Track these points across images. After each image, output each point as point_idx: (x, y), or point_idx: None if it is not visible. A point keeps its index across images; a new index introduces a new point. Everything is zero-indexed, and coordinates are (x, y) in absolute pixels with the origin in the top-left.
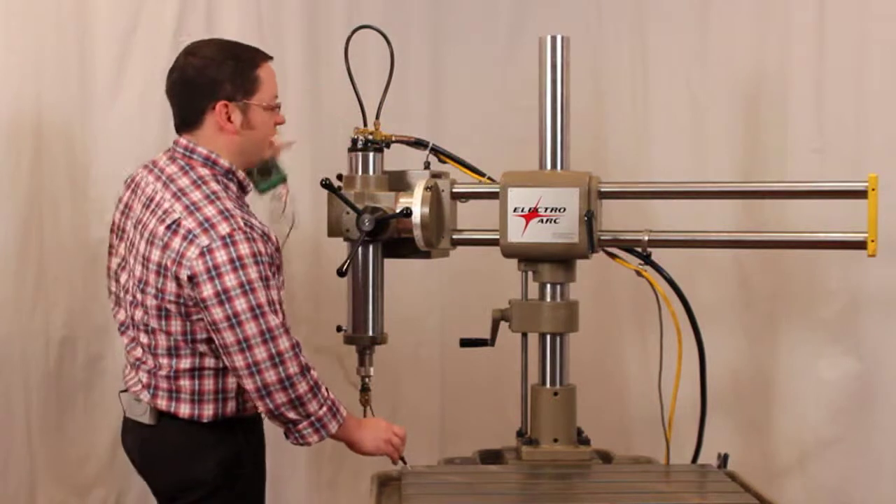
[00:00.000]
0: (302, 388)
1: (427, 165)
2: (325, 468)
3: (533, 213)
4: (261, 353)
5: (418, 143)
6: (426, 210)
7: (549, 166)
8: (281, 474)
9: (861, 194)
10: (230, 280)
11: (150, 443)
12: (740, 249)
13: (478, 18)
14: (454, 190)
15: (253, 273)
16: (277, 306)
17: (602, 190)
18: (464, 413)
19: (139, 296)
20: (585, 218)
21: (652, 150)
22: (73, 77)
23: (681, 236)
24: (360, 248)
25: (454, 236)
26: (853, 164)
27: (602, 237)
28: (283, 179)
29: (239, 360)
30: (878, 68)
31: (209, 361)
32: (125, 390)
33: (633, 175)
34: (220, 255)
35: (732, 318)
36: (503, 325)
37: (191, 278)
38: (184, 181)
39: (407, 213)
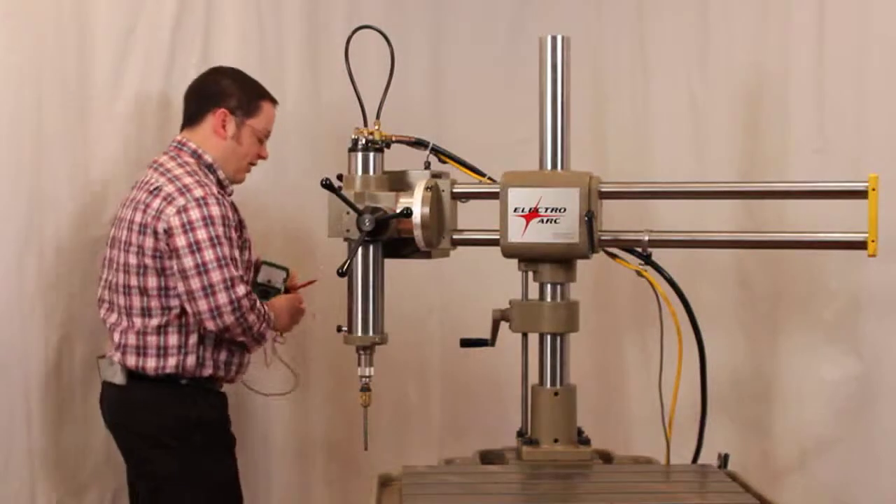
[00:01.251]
0: (255, 324)
1: (427, 165)
2: (326, 468)
3: (533, 213)
4: (223, 298)
5: (418, 143)
6: (426, 210)
7: (549, 166)
8: (281, 474)
9: (861, 194)
10: (201, 234)
11: (119, 402)
12: (740, 249)
13: (478, 18)
14: (454, 190)
15: (220, 230)
16: (238, 262)
17: (602, 190)
18: (464, 413)
19: (121, 257)
20: (586, 218)
21: (652, 150)
22: (73, 77)
23: (681, 236)
24: (360, 248)
25: (454, 236)
26: (853, 164)
27: (602, 237)
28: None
29: (202, 304)
30: (878, 68)
31: (175, 320)
32: (102, 356)
33: (633, 175)
34: (194, 213)
35: (732, 318)
36: (503, 325)
37: (167, 231)
38: (170, 164)
39: (407, 213)
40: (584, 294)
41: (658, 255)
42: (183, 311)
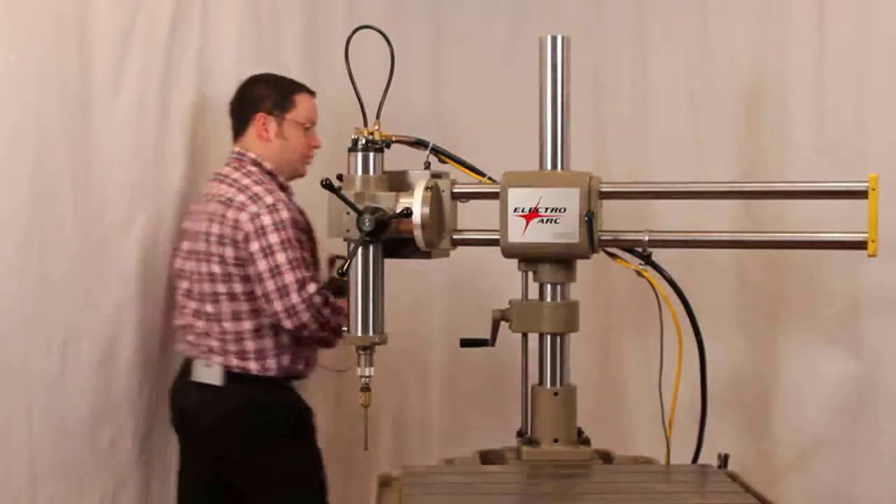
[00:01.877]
0: (330, 319)
1: (427, 165)
2: (326, 467)
3: (533, 214)
4: (295, 297)
5: (418, 143)
6: (426, 210)
7: (549, 166)
8: None
9: (861, 194)
10: (273, 238)
11: (219, 403)
12: (740, 249)
13: (478, 18)
14: (454, 190)
15: (291, 233)
16: (307, 262)
17: (602, 190)
18: (464, 413)
19: (203, 267)
20: (586, 218)
21: (652, 150)
22: (73, 77)
23: (681, 236)
24: (360, 249)
25: (454, 236)
26: (853, 164)
27: (602, 237)
28: None
29: (278, 305)
30: (878, 68)
31: (268, 322)
32: (189, 360)
33: (633, 175)
34: (266, 219)
35: (732, 318)
36: (503, 325)
37: (244, 238)
38: (236, 175)
39: (407, 213)
40: (584, 294)
41: (658, 254)
42: None
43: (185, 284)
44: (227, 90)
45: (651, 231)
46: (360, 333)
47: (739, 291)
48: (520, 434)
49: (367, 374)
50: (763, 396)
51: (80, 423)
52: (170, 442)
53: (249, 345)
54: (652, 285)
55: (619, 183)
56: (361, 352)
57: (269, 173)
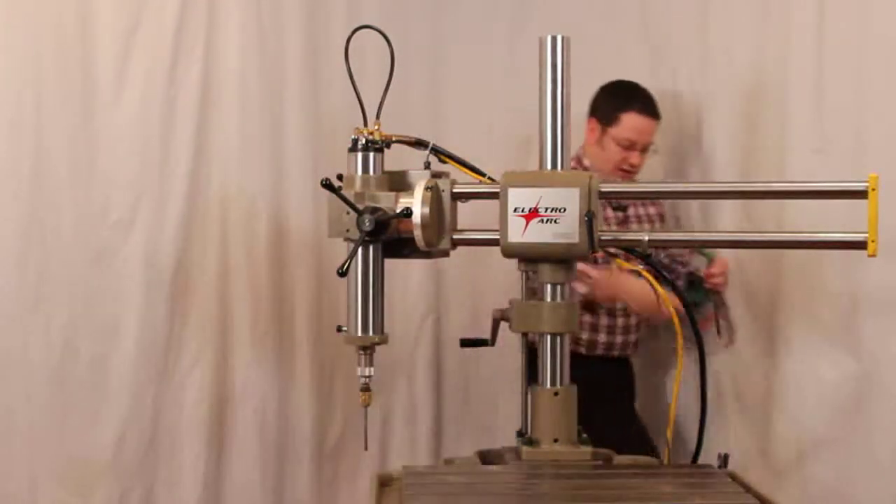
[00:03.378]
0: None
1: (427, 165)
2: (327, 467)
3: (533, 214)
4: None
5: (418, 143)
6: (426, 210)
7: (549, 166)
8: (283, 474)
9: (861, 194)
10: None
11: None
12: (740, 249)
13: (478, 18)
14: (454, 190)
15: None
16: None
17: (602, 190)
18: (464, 413)
19: None
20: (586, 218)
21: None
22: (75, 77)
23: (681, 236)
24: (360, 249)
25: (454, 236)
26: (853, 164)
27: (602, 237)
28: (706, 300)
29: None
30: (878, 68)
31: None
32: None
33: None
34: None
35: (732, 319)
36: (503, 325)
37: None
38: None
39: (407, 213)
40: None
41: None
42: None
43: None
44: (230, 89)
45: (651, 231)
46: (360, 333)
47: (739, 291)
48: (519, 434)
49: (367, 374)
50: (763, 396)
51: (83, 424)
52: (175, 444)
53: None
54: (652, 285)
55: (619, 183)
56: (361, 352)
57: (585, 170)
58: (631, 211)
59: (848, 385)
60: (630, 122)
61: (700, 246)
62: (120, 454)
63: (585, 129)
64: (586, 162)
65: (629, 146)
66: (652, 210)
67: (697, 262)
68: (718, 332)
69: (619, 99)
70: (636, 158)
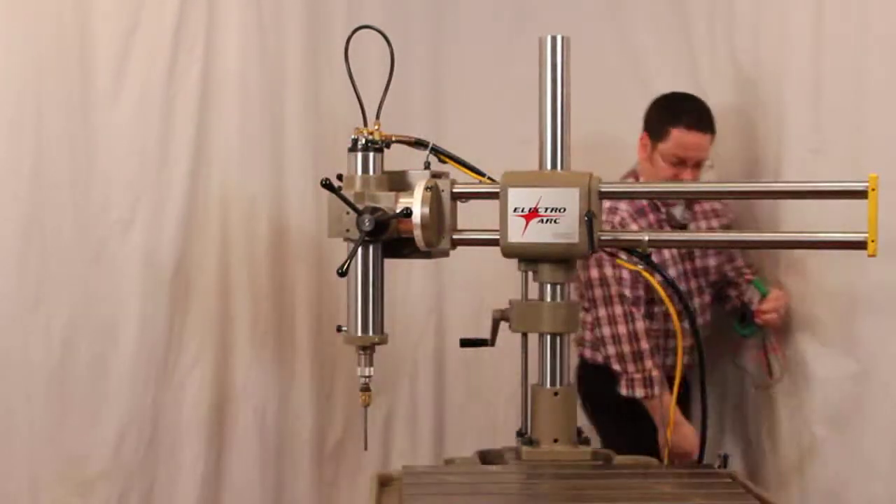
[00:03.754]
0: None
1: (427, 165)
2: (327, 467)
3: (533, 214)
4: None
5: (418, 143)
6: (426, 210)
7: (549, 166)
8: (282, 473)
9: (861, 194)
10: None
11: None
12: (740, 249)
13: (478, 18)
14: (454, 190)
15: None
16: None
17: (602, 190)
18: (464, 413)
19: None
20: (586, 218)
21: None
22: (75, 77)
23: (681, 236)
24: (360, 248)
25: (454, 236)
26: (852, 164)
27: (602, 237)
28: (754, 335)
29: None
30: (877, 68)
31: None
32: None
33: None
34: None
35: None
36: (503, 325)
37: None
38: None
39: (407, 213)
40: None
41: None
42: None
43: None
44: (230, 89)
45: (651, 231)
46: (359, 333)
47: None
48: (519, 434)
49: (366, 374)
50: (763, 396)
51: (80, 423)
52: (175, 444)
53: (587, 335)
54: (652, 285)
55: (619, 183)
56: (361, 352)
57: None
58: (692, 227)
59: (846, 385)
60: (677, 138)
61: (700, 246)
62: (120, 454)
63: (638, 144)
64: (642, 179)
65: (678, 163)
66: (715, 223)
67: (751, 294)
68: (769, 370)
69: (668, 113)
70: (688, 175)
